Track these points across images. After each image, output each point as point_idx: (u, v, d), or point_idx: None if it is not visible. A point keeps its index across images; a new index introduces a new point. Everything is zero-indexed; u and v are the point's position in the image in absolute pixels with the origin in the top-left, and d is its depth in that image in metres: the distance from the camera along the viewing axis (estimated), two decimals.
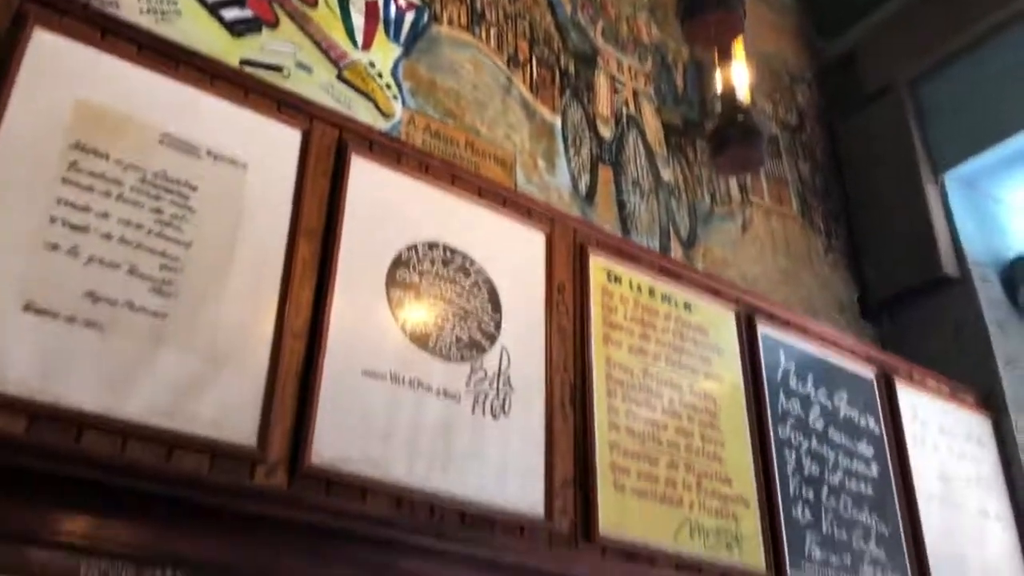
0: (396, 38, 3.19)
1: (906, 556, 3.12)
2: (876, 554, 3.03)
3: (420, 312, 2.35)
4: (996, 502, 3.53)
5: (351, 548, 1.99)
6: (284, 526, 1.90)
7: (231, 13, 2.78)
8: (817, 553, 2.87)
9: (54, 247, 1.84)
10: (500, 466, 2.33)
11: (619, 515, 2.48)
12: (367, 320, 2.25)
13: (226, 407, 1.94)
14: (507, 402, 2.43)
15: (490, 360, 2.45)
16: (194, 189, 2.07)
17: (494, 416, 2.39)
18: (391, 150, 2.49)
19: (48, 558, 1.68)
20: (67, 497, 1.72)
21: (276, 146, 2.26)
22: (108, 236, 1.91)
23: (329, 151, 2.35)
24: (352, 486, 2.05)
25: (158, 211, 2.00)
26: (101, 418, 1.77)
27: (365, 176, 2.38)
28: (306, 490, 1.98)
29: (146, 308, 1.91)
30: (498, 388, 2.43)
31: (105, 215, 1.92)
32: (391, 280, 2.33)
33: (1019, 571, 3.43)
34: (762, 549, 2.74)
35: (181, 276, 1.98)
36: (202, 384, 1.92)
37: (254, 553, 1.89)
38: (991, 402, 3.76)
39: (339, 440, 2.07)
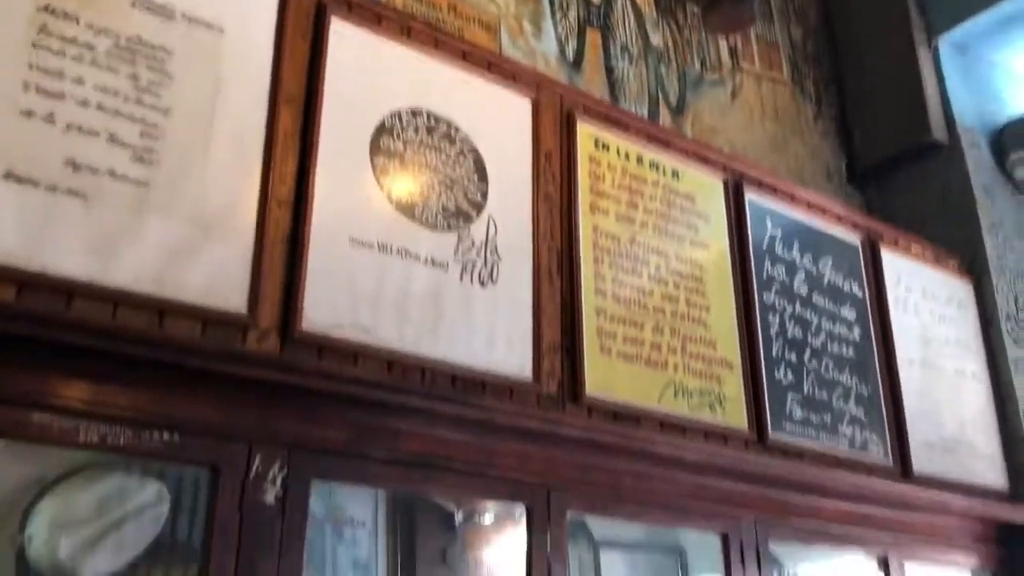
0: None
1: (884, 415, 3.22)
2: (855, 413, 3.13)
3: (405, 181, 2.34)
4: (973, 362, 3.62)
5: (344, 410, 2.04)
6: (278, 390, 1.94)
7: None
8: (798, 412, 2.95)
9: (29, 114, 1.80)
10: (489, 332, 2.37)
11: (605, 377, 2.54)
12: (352, 189, 2.24)
13: (215, 274, 1.95)
14: (495, 270, 2.45)
15: (477, 229, 2.45)
16: (170, 54, 2.02)
17: (482, 284, 2.41)
18: (371, 12, 2.42)
19: (47, 421, 1.72)
20: (63, 363, 1.75)
21: (253, 9, 2.20)
22: (85, 103, 1.87)
23: (307, 14, 2.29)
24: (343, 351, 2.09)
25: (134, 77, 1.96)
26: (90, 285, 1.78)
27: (345, 41, 2.32)
28: (298, 355, 2.02)
29: (128, 176, 1.89)
30: (485, 256, 2.45)
31: (80, 81, 1.88)
32: (375, 148, 2.31)
33: (992, 426, 3.55)
34: (744, 409, 2.83)
35: (162, 144, 1.96)
36: (189, 252, 1.93)
37: (249, 416, 1.94)
38: (974, 266, 3.80)
39: (329, 307, 2.10)
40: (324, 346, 2.07)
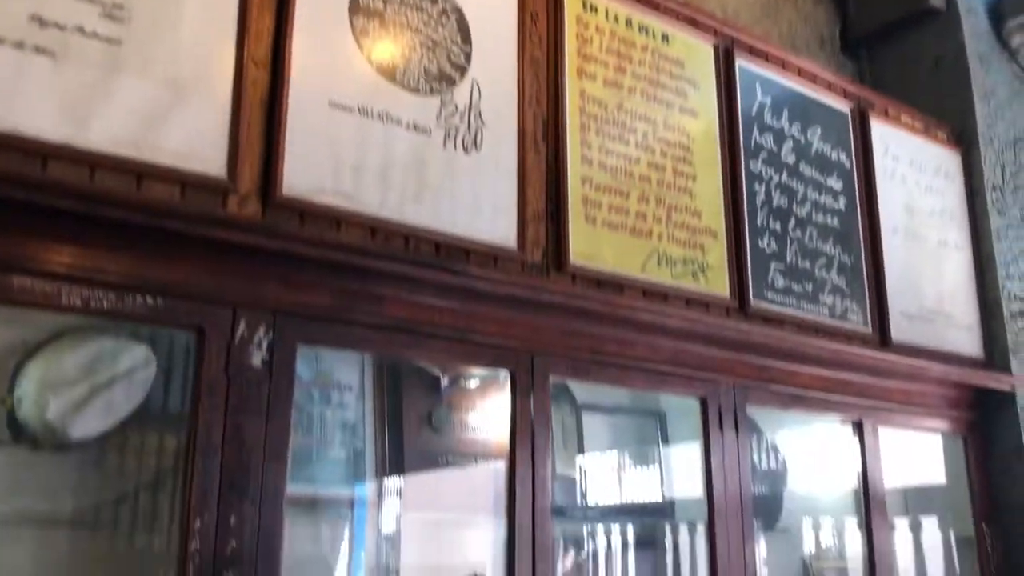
0: None
1: (865, 284, 3.26)
2: (837, 282, 3.16)
3: (386, 42, 2.27)
4: (956, 233, 3.64)
5: (326, 276, 2.04)
6: (260, 255, 1.93)
7: None
8: (780, 281, 2.98)
9: None
10: (473, 199, 2.35)
11: (589, 246, 2.54)
12: (331, 50, 2.17)
13: (192, 137, 1.91)
14: (479, 136, 2.41)
15: (460, 93, 2.39)
16: None
17: (466, 150, 2.38)
18: None
19: (29, 285, 1.72)
20: (42, 227, 1.73)
21: None
22: None
23: None
24: (326, 217, 2.08)
25: None
26: (64, 147, 1.75)
27: None
28: (280, 220, 2.00)
29: (98, 34, 1.83)
30: (469, 122, 2.40)
31: None
32: (354, 8, 2.23)
33: (971, 296, 3.60)
34: (727, 278, 2.85)
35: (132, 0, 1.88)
36: (165, 114, 1.88)
37: (232, 281, 1.94)
38: (963, 137, 3.77)
39: (310, 172, 2.07)
40: (306, 212, 2.05)
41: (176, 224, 1.82)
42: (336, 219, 2.09)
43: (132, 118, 1.84)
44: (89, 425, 1.92)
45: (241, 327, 1.94)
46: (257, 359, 1.95)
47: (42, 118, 1.73)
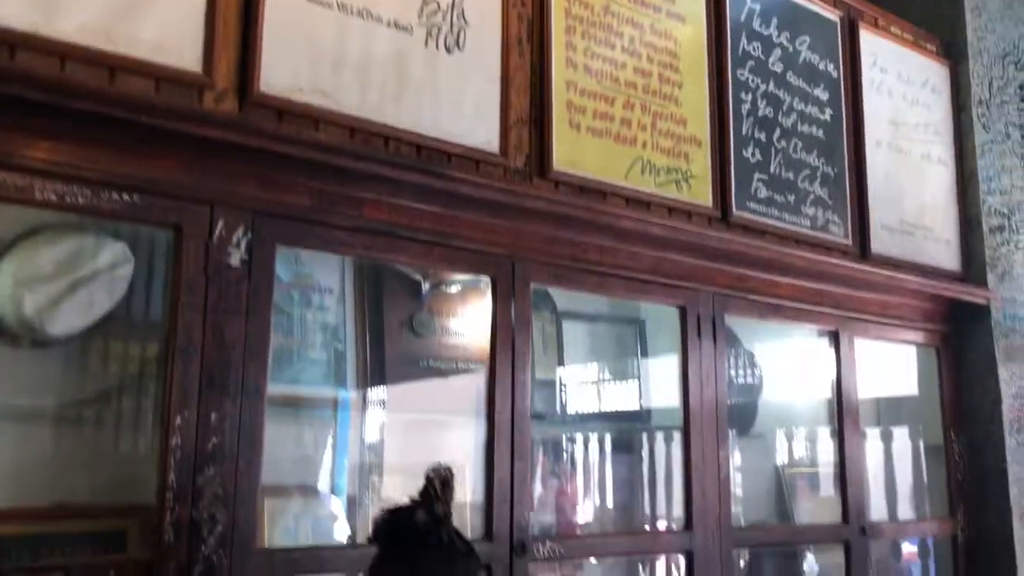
0: None
1: (848, 197, 3.26)
2: (819, 194, 3.16)
3: None
4: (940, 147, 3.63)
5: (306, 176, 2.02)
6: (237, 152, 1.90)
7: None
8: (763, 192, 2.97)
9: None
10: (455, 101, 2.31)
11: (573, 152, 2.52)
12: None
13: (167, 30, 1.87)
14: (461, 36, 2.36)
15: None
16: None
17: (448, 50, 2.33)
18: None
19: (1, 180, 1.68)
20: (13, 119, 1.69)
21: None
22: None
23: None
24: (304, 116, 2.04)
25: None
26: (32, 37, 1.70)
27: None
28: (257, 117, 1.97)
29: None
30: (452, 21, 2.35)
31: None
32: None
33: (952, 211, 3.62)
34: (710, 187, 2.84)
35: None
36: (138, 4, 1.83)
37: (209, 179, 1.91)
38: (952, 50, 3.73)
39: (288, 69, 2.03)
40: (284, 110, 2.02)
41: (151, 119, 1.78)
42: (315, 118, 2.06)
43: (103, 8, 1.79)
44: (68, 322, 1.92)
45: (219, 226, 1.93)
46: (236, 259, 1.94)
47: (7, 4, 1.67)
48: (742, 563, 3.06)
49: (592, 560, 2.90)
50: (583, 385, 3.31)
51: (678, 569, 2.80)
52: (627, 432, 3.27)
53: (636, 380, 3.33)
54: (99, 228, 1.99)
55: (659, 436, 3.25)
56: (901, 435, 3.71)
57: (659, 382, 3.23)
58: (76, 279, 1.92)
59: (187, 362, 1.84)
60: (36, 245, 1.90)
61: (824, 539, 3.24)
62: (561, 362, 3.06)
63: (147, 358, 2.04)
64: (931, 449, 3.59)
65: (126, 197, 1.82)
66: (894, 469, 3.64)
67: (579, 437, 3.17)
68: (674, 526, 2.92)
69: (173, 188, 1.87)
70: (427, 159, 2.23)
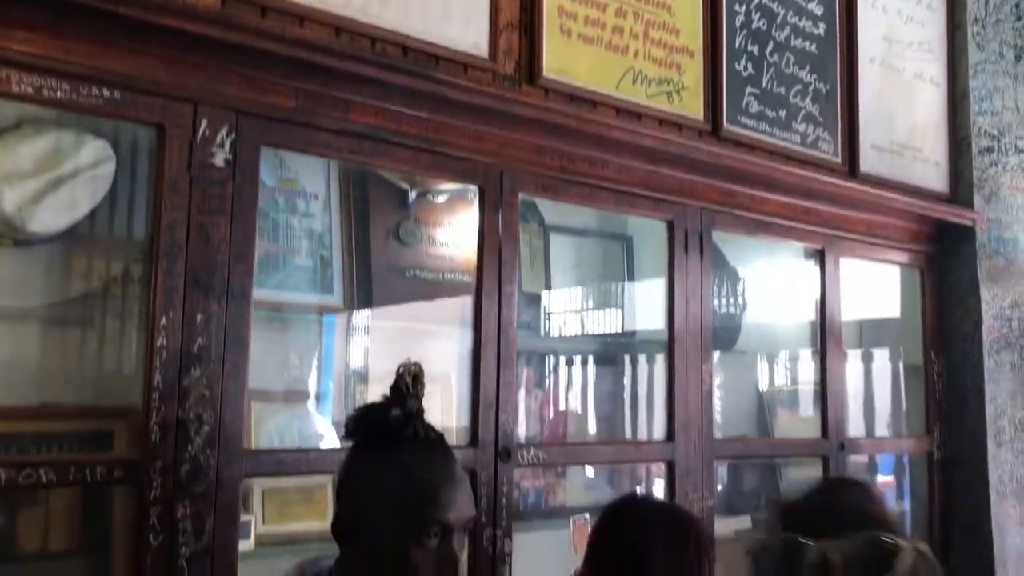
0: None
1: (838, 114, 3.23)
2: (811, 110, 3.13)
3: None
4: (934, 66, 3.59)
5: (290, 75, 1.97)
6: (220, 48, 1.85)
7: None
8: (754, 106, 2.94)
9: None
10: (443, 4, 2.26)
11: (563, 59, 2.48)
12: None
13: None
14: None
15: None
16: None
17: None
18: None
19: None
20: None
21: None
22: None
23: None
24: (288, 12, 2.00)
25: None
26: None
27: None
28: (239, 12, 1.92)
29: None
30: None
31: None
32: None
33: (942, 132, 3.60)
34: (702, 100, 2.80)
35: None
36: None
37: (192, 77, 1.86)
38: None
39: None
40: (267, 5, 1.97)
41: (129, 10, 1.72)
42: (299, 15, 2.01)
43: None
44: (50, 220, 1.88)
45: (203, 126, 1.89)
46: (220, 159, 1.90)
47: None
48: (723, 475, 3.12)
49: (577, 469, 2.94)
50: (569, 299, 3.32)
51: (660, 478, 2.85)
52: (612, 345, 3.29)
53: (622, 296, 3.34)
54: (79, 125, 1.95)
55: (644, 350, 3.27)
56: (881, 356, 3.76)
57: (646, 295, 3.24)
58: (57, 176, 1.88)
59: (172, 263, 1.82)
60: (14, 141, 1.86)
61: (803, 453, 3.30)
62: (548, 275, 3.06)
63: (131, 259, 2.02)
64: (910, 369, 3.63)
65: (106, 92, 1.78)
66: (873, 389, 3.70)
67: (564, 350, 3.19)
68: (657, 437, 2.96)
69: (155, 85, 1.82)
70: (414, 62, 2.19)
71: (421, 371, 1.54)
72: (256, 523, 2.26)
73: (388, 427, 1.47)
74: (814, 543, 1.12)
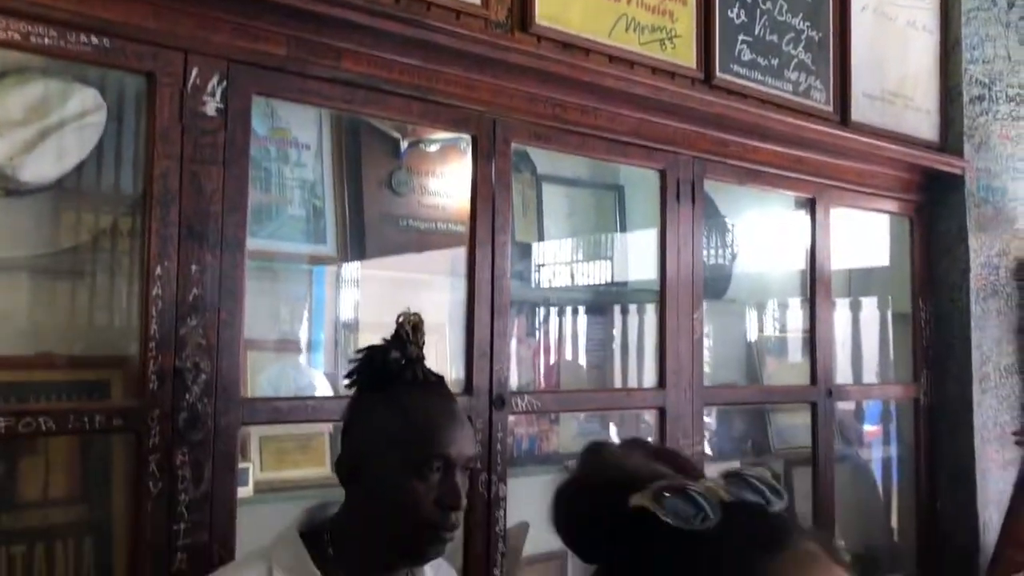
0: None
1: (831, 62, 3.22)
2: (803, 59, 3.11)
3: None
4: (926, 14, 3.57)
5: (281, 23, 1.94)
6: None
7: None
8: (747, 54, 2.93)
9: None
10: None
11: (556, 6, 2.46)
12: None
13: None
14: None
15: None
16: None
17: None
18: None
19: None
20: None
21: None
22: None
23: None
24: None
25: None
26: None
27: None
28: None
29: None
30: None
31: None
32: None
33: (933, 81, 3.59)
34: (694, 48, 2.79)
35: None
36: None
37: (182, 25, 1.83)
38: None
39: None
40: None
41: None
42: None
43: None
44: (41, 170, 1.87)
45: (194, 74, 1.87)
46: (211, 107, 1.89)
47: None
48: (712, 421, 3.16)
49: (570, 416, 2.98)
50: (562, 249, 3.33)
51: (650, 425, 2.89)
52: (604, 296, 3.31)
53: (613, 246, 3.35)
54: (68, 73, 1.93)
55: (635, 299, 3.30)
56: (870, 304, 3.80)
57: (637, 244, 3.25)
58: (46, 125, 1.86)
59: (165, 213, 1.82)
60: (2, 89, 1.84)
61: (791, 399, 3.35)
62: (541, 225, 3.07)
63: (123, 210, 2.02)
64: (898, 317, 3.67)
65: (95, 40, 1.76)
66: (861, 337, 3.74)
67: (557, 300, 3.21)
68: (648, 385, 3.00)
69: (145, 33, 1.80)
70: (406, 8, 2.17)
71: (421, 321, 1.55)
72: (254, 470, 2.29)
73: (388, 369, 1.49)
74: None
